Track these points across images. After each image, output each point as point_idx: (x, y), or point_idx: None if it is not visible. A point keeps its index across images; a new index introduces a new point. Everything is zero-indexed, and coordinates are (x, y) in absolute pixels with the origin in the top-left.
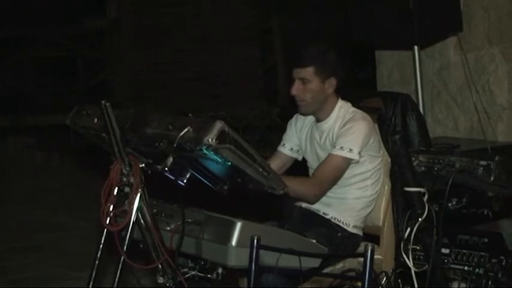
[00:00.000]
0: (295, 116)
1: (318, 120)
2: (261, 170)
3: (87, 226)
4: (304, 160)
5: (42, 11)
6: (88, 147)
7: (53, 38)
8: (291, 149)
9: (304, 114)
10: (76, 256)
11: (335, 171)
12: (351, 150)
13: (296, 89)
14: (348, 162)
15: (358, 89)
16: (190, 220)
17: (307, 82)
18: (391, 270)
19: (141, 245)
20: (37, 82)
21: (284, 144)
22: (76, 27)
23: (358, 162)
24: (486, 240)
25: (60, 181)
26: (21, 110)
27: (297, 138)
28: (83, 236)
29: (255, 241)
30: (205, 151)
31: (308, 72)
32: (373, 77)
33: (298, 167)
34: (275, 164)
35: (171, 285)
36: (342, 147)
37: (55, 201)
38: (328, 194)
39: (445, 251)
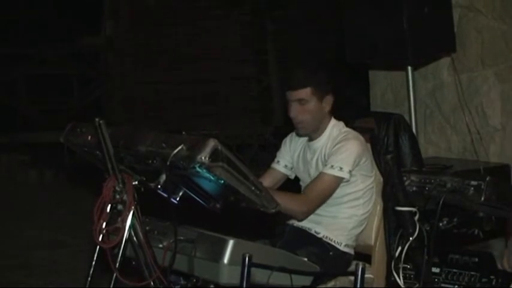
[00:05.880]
0: (290, 134)
1: (311, 139)
2: (253, 188)
3: (80, 243)
4: (296, 178)
5: (38, 28)
6: (81, 165)
7: (48, 56)
8: (285, 166)
9: (303, 136)
10: (69, 273)
11: (325, 190)
12: (341, 168)
13: (294, 111)
14: (338, 181)
15: (351, 110)
16: (182, 238)
17: (305, 103)
18: None
19: (134, 262)
20: (31, 99)
21: (278, 161)
22: (71, 45)
23: (349, 181)
24: (477, 259)
25: (54, 198)
26: (15, 127)
27: (290, 157)
28: (75, 253)
29: (247, 259)
30: (198, 169)
31: (305, 93)
32: (363, 95)
33: (291, 186)
34: (268, 180)
35: None
36: (332, 166)
37: (48, 219)
38: (320, 212)
39: (435, 270)
